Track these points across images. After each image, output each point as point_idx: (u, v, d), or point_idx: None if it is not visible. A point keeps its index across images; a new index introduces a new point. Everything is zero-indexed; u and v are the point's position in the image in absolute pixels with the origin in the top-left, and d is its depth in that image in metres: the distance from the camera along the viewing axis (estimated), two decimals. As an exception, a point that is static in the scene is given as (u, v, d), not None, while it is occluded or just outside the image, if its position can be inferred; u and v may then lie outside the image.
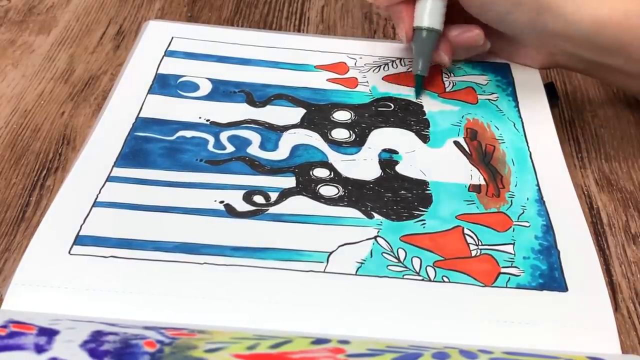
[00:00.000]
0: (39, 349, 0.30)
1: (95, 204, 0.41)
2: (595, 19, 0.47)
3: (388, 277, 0.38)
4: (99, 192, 0.42)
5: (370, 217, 0.42)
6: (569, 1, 0.47)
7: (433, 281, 0.38)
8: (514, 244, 0.41)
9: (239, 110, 0.49)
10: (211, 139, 0.46)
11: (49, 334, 0.31)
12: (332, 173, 0.45)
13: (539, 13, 0.48)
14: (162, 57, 0.53)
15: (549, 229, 0.41)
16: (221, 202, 0.42)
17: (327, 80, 0.52)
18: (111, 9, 0.61)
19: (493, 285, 0.38)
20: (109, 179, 0.43)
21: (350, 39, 0.58)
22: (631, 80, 0.50)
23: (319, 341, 0.32)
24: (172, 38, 0.55)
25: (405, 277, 0.38)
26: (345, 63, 0.54)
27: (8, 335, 0.31)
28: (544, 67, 0.54)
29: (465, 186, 0.44)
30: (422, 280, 0.38)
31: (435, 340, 0.35)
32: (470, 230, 0.41)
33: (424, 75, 0.51)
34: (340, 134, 0.48)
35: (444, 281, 0.38)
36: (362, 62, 0.54)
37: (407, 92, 0.52)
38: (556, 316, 0.37)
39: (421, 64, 0.51)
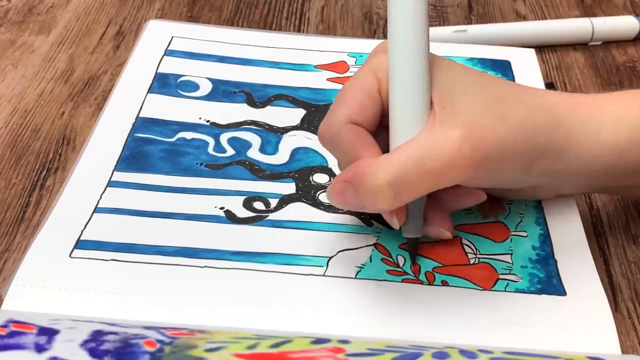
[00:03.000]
0: (39, 349, 0.30)
1: (96, 209, 0.41)
2: (614, 146, 0.39)
3: (387, 280, 0.38)
4: (100, 198, 0.42)
5: (370, 224, 0.42)
6: (585, 140, 0.38)
7: (433, 285, 0.38)
8: (511, 254, 0.40)
9: (239, 111, 0.49)
10: (211, 141, 0.46)
11: (49, 333, 0.31)
12: (331, 179, 0.44)
13: (555, 163, 0.38)
14: (162, 57, 0.53)
15: (546, 238, 0.41)
16: (221, 208, 0.42)
17: (327, 79, 0.52)
18: (111, 9, 0.61)
19: (492, 289, 0.38)
20: (110, 183, 0.43)
21: (350, 38, 0.57)
22: None
23: (319, 341, 0.32)
24: (172, 37, 0.55)
25: (404, 280, 0.38)
26: (345, 62, 0.54)
27: (8, 335, 0.31)
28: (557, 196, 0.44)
29: None
30: (422, 284, 0.38)
31: (435, 340, 0.35)
32: (468, 240, 0.41)
33: (418, 237, 0.40)
34: (340, 135, 0.48)
35: (443, 285, 0.38)
36: (363, 60, 0.54)
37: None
38: (556, 316, 0.37)
39: (412, 225, 0.39)
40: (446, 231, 0.40)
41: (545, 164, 0.38)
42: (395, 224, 0.37)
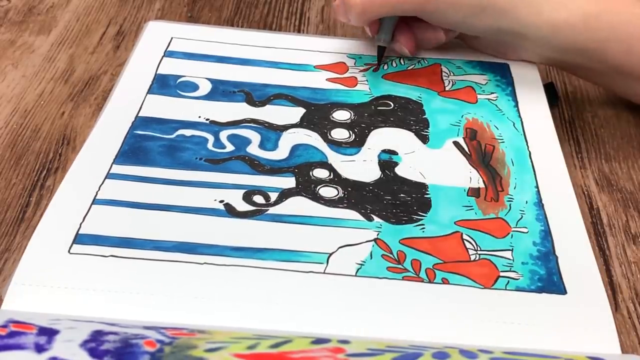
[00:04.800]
0: (39, 349, 0.30)
1: (95, 201, 0.41)
2: (552, 23, 0.48)
3: (388, 278, 0.38)
4: (99, 190, 0.42)
5: (370, 219, 0.42)
6: (526, 7, 0.48)
7: (433, 283, 0.38)
8: (512, 250, 0.40)
9: (239, 110, 0.49)
10: (211, 138, 0.46)
11: (49, 333, 0.31)
12: (331, 174, 0.45)
13: (495, 19, 0.49)
14: (162, 58, 0.53)
15: (547, 234, 0.41)
16: (221, 201, 0.42)
17: (326, 79, 0.52)
18: (111, 9, 0.61)
19: (492, 287, 0.38)
20: (109, 176, 0.43)
21: (349, 39, 0.58)
22: (597, 77, 0.51)
23: (319, 341, 0.32)
24: (172, 39, 0.55)
25: (404, 278, 0.38)
26: (344, 63, 0.54)
27: (8, 335, 0.31)
28: (510, 59, 0.54)
29: (464, 190, 0.44)
30: (422, 281, 0.38)
31: (435, 340, 0.35)
32: (469, 236, 0.41)
33: (385, 46, 0.53)
34: (339, 134, 0.48)
35: (443, 283, 0.38)
36: (362, 62, 0.54)
37: (406, 91, 0.52)
38: (556, 317, 0.37)
39: (382, 36, 0.53)
40: (404, 48, 0.53)
41: (489, 18, 0.49)
42: (368, 32, 0.52)
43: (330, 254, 0.39)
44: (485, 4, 0.48)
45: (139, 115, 0.48)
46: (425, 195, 0.44)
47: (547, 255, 0.40)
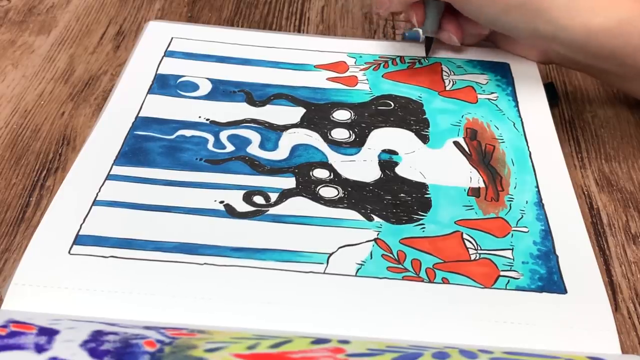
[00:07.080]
0: (39, 349, 0.30)
1: (95, 202, 0.41)
2: (587, 27, 0.47)
3: (388, 278, 0.38)
4: (99, 191, 0.42)
5: (370, 219, 0.42)
6: (562, 10, 0.48)
7: (433, 282, 0.38)
8: (512, 249, 0.40)
9: (239, 110, 0.49)
10: (211, 138, 0.46)
11: (49, 333, 0.31)
12: (331, 174, 0.45)
13: (530, 18, 0.48)
14: (162, 58, 0.53)
15: (547, 234, 0.41)
16: (221, 202, 0.42)
17: (326, 79, 0.52)
18: (111, 9, 0.61)
19: (493, 287, 0.38)
20: (109, 177, 0.43)
21: (349, 39, 0.58)
22: (625, 83, 0.51)
23: (319, 341, 0.32)
24: (172, 38, 0.55)
25: (404, 278, 0.38)
26: (345, 62, 0.54)
27: (8, 335, 0.31)
28: (540, 62, 0.54)
29: (465, 190, 0.44)
30: (422, 281, 0.38)
31: (435, 340, 0.35)
32: (469, 235, 0.41)
33: (432, 36, 0.54)
34: (340, 133, 0.48)
35: (443, 282, 0.38)
36: (362, 61, 0.54)
37: (406, 90, 0.52)
38: (556, 317, 0.37)
39: (428, 26, 0.53)
40: (454, 36, 0.53)
41: (524, 17, 0.48)
42: (415, 22, 0.52)
43: (331, 254, 0.39)
44: (522, 1, 0.48)
45: (139, 115, 0.48)
46: (426, 195, 0.44)
47: (547, 254, 0.40)
